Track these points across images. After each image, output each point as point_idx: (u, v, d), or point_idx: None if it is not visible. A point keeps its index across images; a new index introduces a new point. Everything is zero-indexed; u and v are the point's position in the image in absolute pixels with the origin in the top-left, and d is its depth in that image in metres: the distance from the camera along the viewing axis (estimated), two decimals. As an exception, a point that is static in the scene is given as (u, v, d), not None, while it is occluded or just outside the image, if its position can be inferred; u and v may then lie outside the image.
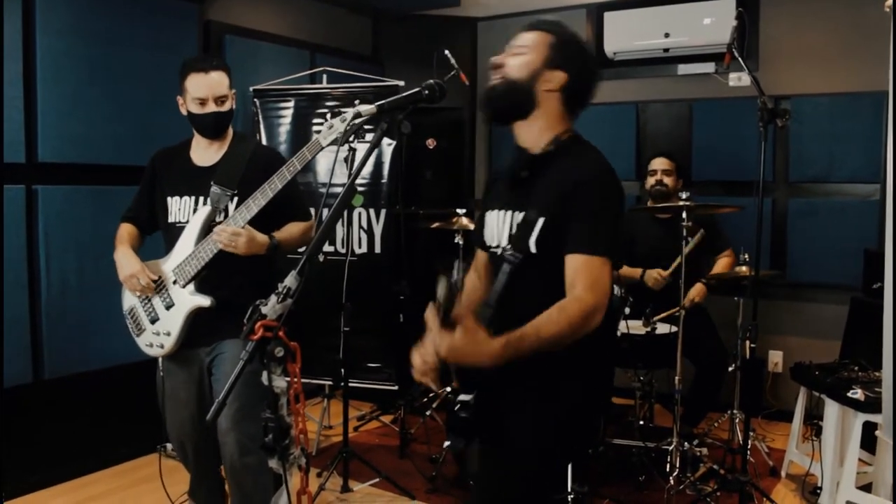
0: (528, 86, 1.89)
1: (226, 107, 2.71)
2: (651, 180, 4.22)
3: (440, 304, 1.66)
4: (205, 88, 2.64)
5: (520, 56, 1.91)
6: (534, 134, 1.95)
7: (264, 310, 1.61)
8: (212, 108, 2.67)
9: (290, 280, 1.63)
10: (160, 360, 2.82)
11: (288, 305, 1.62)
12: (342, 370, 3.74)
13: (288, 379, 1.66)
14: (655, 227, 4.24)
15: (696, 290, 3.99)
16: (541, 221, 1.81)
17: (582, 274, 1.77)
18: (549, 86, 1.90)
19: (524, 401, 1.85)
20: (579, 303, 1.74)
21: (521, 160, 1.97)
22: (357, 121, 2.01)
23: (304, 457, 1.69)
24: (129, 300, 2.82)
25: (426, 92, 1.81)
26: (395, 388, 4.36)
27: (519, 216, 1.90)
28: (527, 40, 1.93)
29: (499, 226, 1.97)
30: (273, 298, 1.62)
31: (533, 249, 1.83)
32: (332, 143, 2.27)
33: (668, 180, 4.17)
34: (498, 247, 1.97)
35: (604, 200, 1.83)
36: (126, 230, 2.87)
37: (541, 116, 1.93)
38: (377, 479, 3.71)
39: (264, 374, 1.63)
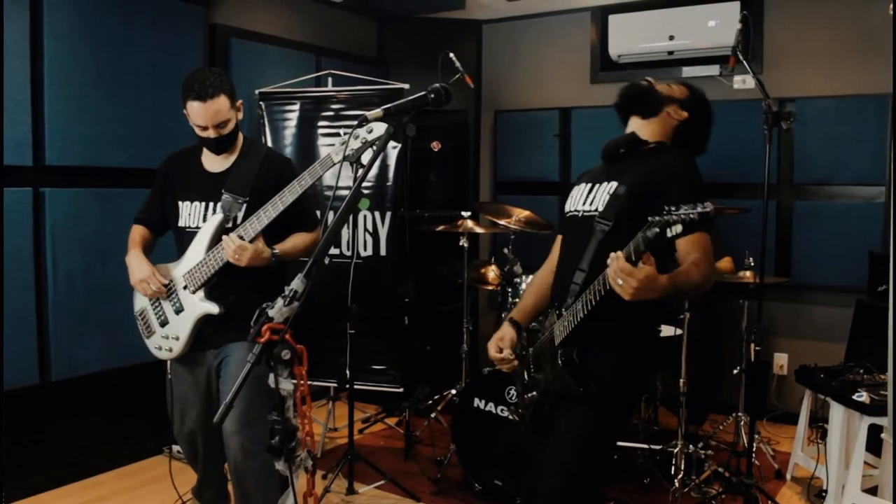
0: (661, 99, 2.32)
1: (227, 129, 2.69)
2: None
3: (636, 247, 1.82)
4: (202, 118, 2.63)
5: (668, 86, 2.36)
6: (641, 132, 2.32)
7: (271, 312, 1.62)
8: (212, 133, 2.67)
9: (297, 283, 1.64)
10: (169, 362, 2.84)
11: (295, 308, 1.63)
12: (347, 372, 3.75)
13: (294, 381, 1.67)
14: None
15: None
16: (627, 195, 2.13)
17: (697, 246, 2.07)
18: (673, 114, 2.33)
19: (606, 352, 2.18)
20: (705, 262, 2.06)
21: (620, 140, 2.33)
22: (370, 137, 2.05)
23: (311, 459, 1.70)
24: (141, 302, 2.84)
25: (432, 96, 1.82)
26: (400, 390, 4.36)
27: (606, 185, 2.24)
28: (675, 84, 2.39)
29: (580, 195, 2.33)
30: (280, 301, 1.62)
31: (616, 220, 2.12)
32: (346, 159, 2.28)
33: None
34: (575, 211, 2.32)
35: (695, 184, 2.18)
36: (138, 233, 2.90)
37: (654, 125, 2.33)
38: (382, 482, 3.72)
39: (271, 377, 1.64)
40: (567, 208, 2.39)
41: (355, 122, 1.88)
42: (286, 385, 1.66)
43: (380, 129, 1.93)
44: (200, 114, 2.62)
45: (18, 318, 3.47)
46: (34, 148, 3.53)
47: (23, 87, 3.45)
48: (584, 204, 2.30)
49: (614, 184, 2.21)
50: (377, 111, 1.75)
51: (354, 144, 2.09)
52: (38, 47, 3.51)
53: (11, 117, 3.41)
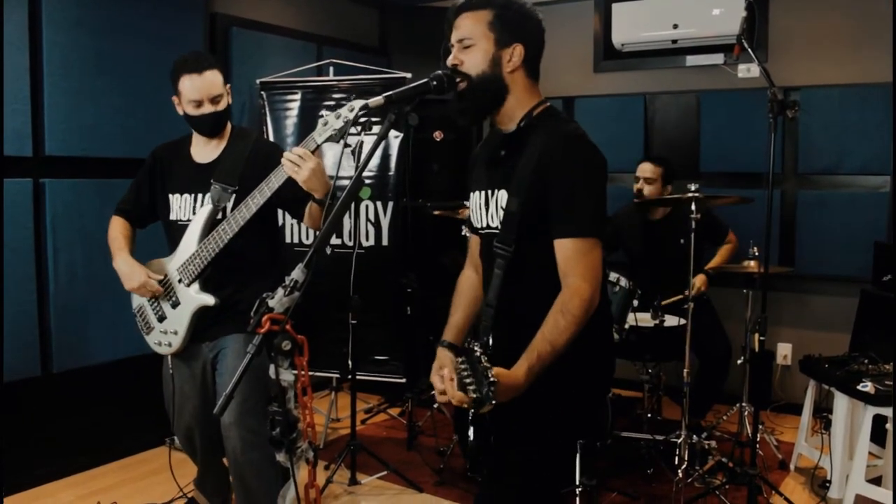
0: (494, 76, 1.82)
1: (221, 105, 2.67)
2: (635, 187, 4.17)
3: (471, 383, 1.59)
4: (199, 90, 2.60)
5: (471, 49, 1.83)
6: (507, 114, 1.88)
7: (271, 303, 1.59)
8: (208, 108, 2.64)
9: (297, 273, 1.61)
10: (168, 357, 2.82)
11: (295, 299, 1.61)
12: (349, 363, 3.74)
13: (295, 371, 1.65)
14: (642, 231, 4.21)
15: (700, 280, 3.95)
16: (520, 208, 1.78)
17: (574, 261, 1.74)
18: (513, 65, 1.83)
19: (526, 397, 1.70)
20: (579, 297, 1.71)
21: (496, 141, 1.93)
22: (351, 115, 1.99)
23: (312, 450, 1.68)
24: (138, 299, 2.83)
25: (434, 83, 1.79)
26: (403, 380, 4.35)
27: (495, 195, 1.88)
28: (468, 29, 1.83)
29: (480, 207, 1.94)
30: (280, 291, 1.60)
31: (518, 241, 1.80)
32: (328, 139, 2.23)
33: (648, 189, 4.08)
34: (485, 228, 1.95)
35: (583, 176, 1.77)
36: (120, 230, 2.84)
37: (512, 96, 1.86)
38: (385, 472, 3.71)
39: (271, 368, 1.62)
40: (474, 224, 2.01)
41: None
42: (287, 376, 1.64)
43: (375, 104, 1.87)
44: (198, 86, 2.59)
45: (20, 310, 3.46)
46: (34, 138, 3.51)
47: (22, 77, 3.43)
48: (486, 219, 1.93)
49: (504, 194, 1.84)
50: (378, 98, 1.72)
51: (337, 124, 2.04)
52: (36, 38, 3.48)
53: (11, 108, 3.40)
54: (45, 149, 3.55)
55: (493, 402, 1.54)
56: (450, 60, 1.85)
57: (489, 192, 1.91)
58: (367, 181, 4.26)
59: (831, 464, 3.37)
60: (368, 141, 4.27)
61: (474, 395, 1.55)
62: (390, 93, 1.72)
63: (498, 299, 1.82)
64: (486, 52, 1.82)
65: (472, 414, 1.90)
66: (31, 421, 3.58)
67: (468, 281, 2.13)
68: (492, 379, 1.54)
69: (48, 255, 3.57)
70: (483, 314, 1.85)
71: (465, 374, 1.59)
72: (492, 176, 1.92)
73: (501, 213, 1.84)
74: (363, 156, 1.72)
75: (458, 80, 1.83)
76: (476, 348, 1.61)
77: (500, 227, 1.85)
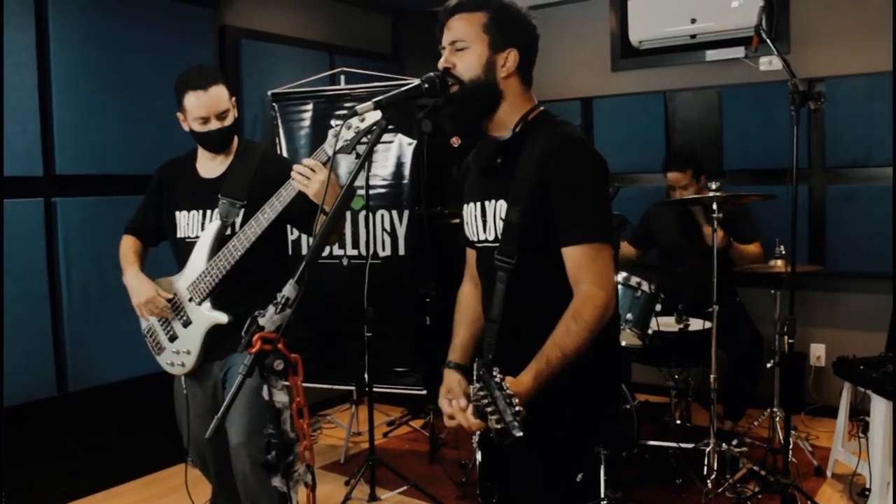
0: (488, 81, 1.76)
1: (228, 120, 2.62)
2: (673, 196, 4.06)
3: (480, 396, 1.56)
4: (205, 107, 2.56)
5: (464, 52, 1.76)
6: (500, 120, 1.81)
7: (262, 321, 1.53)
8: (215, 125, 2.60)
9: (289, 289, 1.54)
10: (182, 377, 2.77)
11: (287, 316, 1.54)
12: (366, 376, 3.67)
13: (288, 384, 1.58)
14: (676, 222, 4.12)
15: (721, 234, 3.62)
16: (522, 217, 1.71)
17: (584, 268, 1.68)
18: (507, 71, 1.78)
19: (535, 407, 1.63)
20: (592, 303, 1.66)
21: (490, 149, 1.83)
22: (363, 126, 1.93)
23: (310, 474, 1.61)
24: (147, 319, 2.78)
25: (426, 86, 1.71)
26: (424, 392, 4.27)
27: (493, 205, 1.81)
28: (462, 31, 1.76)
29: (476, 219, 1.88)
30: (271, 309, 1.53)
31: (520, 253, 1.73)
32: (341, 150, 2.17)
33: (688, 194, 3.99)
34: (482, 241, 1.88)
35: (585, 180, 1.71)
36: (131, 248, 2.82)
37: (506, 102, 1.80)
38: (405, 487, 3.63)
39: (265, 389, 1.55)
40: (470, 238, 1.94)
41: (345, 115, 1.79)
42: (281, 397, 1.57)
43: (372, 116, 1.82)
44: (204, 103, 2.55)
45: (34, 330, 3.45)
46: (44, 157, 3.50)
47: (31, 95, 3.43)
48: (484, 232, 1.86)
49: (503, 204, 1.78)
50: (367, 104, 1.65)
51: (347, 135, 1.98)
52: (44, 55, 3.48)
53: (22, 127, 3.39)
54: (56, 168, 3.54)
55: (521, 433, 1.45)
56: (441, 63, 1.77)
57: (485, 202, 1.84)
58: (381, 190, 4.21)
59: (870, 470, 3.23)
60: (381, 150, 4.22)
61: (498, 426, 1.47)
62: (380, 98, 1.64)
63: (501, 314, 1.75)
64: (480, 55, 1.75)
65: (479, 436, 1.82)
66: (49, 442, 3.56)
67: (469, 297, 2.06)
68: (517, 409, 1.46)
69: (61, 275, 3.55)
70: (486, 330, 1.79)
71: (485, 402, 1.51)
72: (488, 185, 1.84)
73: (501, 224, 1.78)
74: (356, 165, 1.64)
75: (449, 82, 1.74)
76: (496, 374, 1.52)
77: (499, 238, 1.78)
